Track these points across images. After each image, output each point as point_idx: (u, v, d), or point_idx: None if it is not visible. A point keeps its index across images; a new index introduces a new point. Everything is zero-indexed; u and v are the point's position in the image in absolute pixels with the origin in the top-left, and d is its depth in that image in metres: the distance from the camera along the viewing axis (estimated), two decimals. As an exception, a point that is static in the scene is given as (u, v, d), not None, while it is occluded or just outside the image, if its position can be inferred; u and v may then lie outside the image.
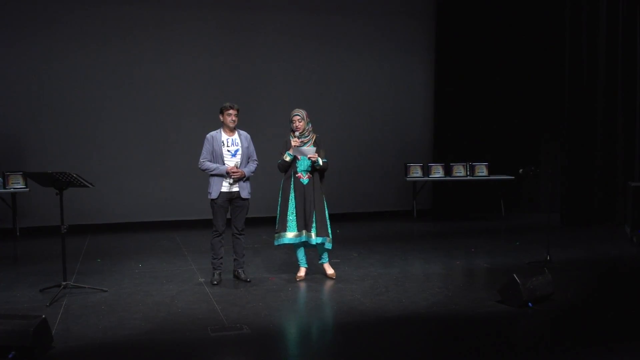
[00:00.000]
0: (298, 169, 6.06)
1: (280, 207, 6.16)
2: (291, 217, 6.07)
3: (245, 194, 6.03)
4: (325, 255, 6.33)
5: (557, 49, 10.34)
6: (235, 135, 6.07)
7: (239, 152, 6.01)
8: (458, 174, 10.45)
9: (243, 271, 6.19)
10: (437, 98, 11.04)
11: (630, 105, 9.63)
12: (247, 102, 10.08)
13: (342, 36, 10.53)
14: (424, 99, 11.12)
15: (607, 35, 9.63)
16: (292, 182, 6.08)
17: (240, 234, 6.14)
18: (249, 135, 6.20)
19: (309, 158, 5.96)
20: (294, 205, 6.06)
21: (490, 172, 10.55)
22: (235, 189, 5.97)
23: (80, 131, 9.34)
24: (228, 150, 5.97)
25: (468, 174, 10.47)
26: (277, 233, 6.13)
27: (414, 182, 10.48)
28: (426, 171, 10.39)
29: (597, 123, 9.72)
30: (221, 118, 6.05)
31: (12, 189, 8.62)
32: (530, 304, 5.15)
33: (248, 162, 6.10)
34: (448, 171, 10.49)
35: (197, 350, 4.33)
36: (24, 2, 9.01)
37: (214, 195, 5.95)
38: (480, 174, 10.51)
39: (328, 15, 10.46)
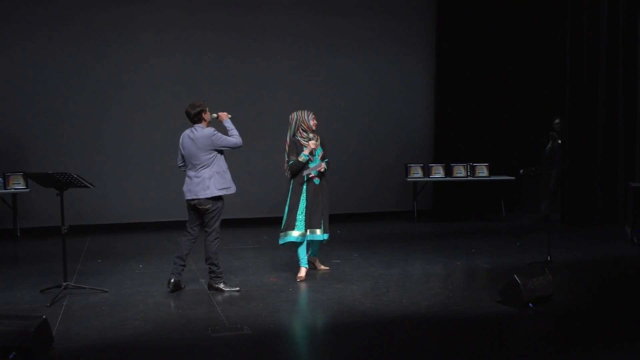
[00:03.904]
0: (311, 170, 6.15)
1: (289, 207, 6.18)
2: (300, 217, 6.12)
3: None
4: (317, 250, 6.54)
5: (558, 49, 10.35)
6: None
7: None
8: (458, 175, 10.45)
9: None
10: (438, 98, 11.05)
11: (630, 105, 9.62)
12: (249, 102, 10.10)
13: (343, 37, 10.53)
14: (424, 100, 11.12)
15: (608, 36, 9.62)
16: (304, 184, 6.13)
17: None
18: None
19: (320, 170, 6.13)
20: (304, 205, 6.12)
21: (491, 173, 10.55)
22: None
23: (81, 132, 9.35)
24: None
25: (468, 174, 10.47)
26: (283, 232, 6.16)
27: (415, 182, 10.48)
28: (427, 172, 10.39)
29: (598, 123, 9.72)
30: (207, 117, 5.85)
31: (12, 190, 8.62)
32: (530, 304, 5.15)
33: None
34: (448, 172, 10.49)
35: (197, 351, 4.33)
36: (25, 2, 9.02)
37: (234, 188, 5.86)
38: (481, 175, 10.50)
39: (329, 16, 10.47)
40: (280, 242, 6.22)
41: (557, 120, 9.89)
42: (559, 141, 9.76)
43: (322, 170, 6.17)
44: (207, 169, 5.69)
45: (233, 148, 5.82)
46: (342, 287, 5.96)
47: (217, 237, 5.80)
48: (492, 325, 4.86)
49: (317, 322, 5.14)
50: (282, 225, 6.19)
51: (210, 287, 5.86)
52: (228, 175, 5.83)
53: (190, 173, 5.76)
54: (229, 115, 5.96)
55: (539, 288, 5.23)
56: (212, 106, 9.52)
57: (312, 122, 6.24)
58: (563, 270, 6.49)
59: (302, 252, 6.26)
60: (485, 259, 7.24)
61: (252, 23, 10.06)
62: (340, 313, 5.15)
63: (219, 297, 5.59)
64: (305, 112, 6.26)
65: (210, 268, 5.83)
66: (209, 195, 5.66)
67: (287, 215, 6.16)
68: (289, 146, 6.21)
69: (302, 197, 6.14)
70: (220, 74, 9.93)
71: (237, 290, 5.80)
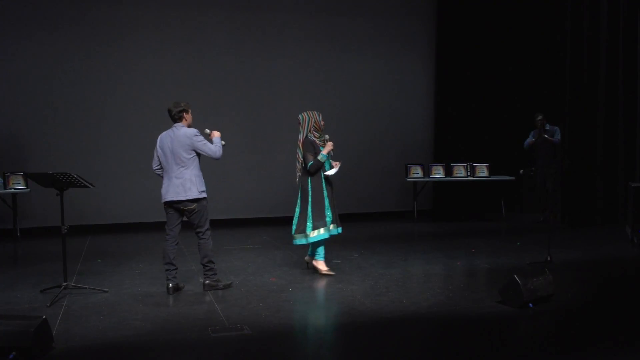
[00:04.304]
0: (326, 168, 6.35)
1: (312, 204, 6.27)
2: (328, 213, 6.30)
3: None
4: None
5: (558, 49, 10.35)
6: None
7: None
8: (458, 175, 10.45)
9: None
10: (438, 98, 11.05)
11: (631, 105, 9.63)
12: (249, 102, 10.11)
13: (343, 37, 10.54)
14: (424, 100, 11.13)
15: (608, 37, 9.62)
16: (322, 181, 6.34)
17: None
18: None
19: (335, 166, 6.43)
20: (328, 201, 6.32)
21: (491, 173, 10.55)
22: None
23: (81, 132, 9.35)
24: None
25: (468, 174, 10.47)
26: (314, 229, 6.23)
27: (415, 182, 10.48)
28: (427, 172, 10.39)
29: (598, 123, 9.71)
30: (189, 118, 5.79)
31: (12, 190, 8.63)
32: (530, 304, 5.14)
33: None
34: (448, 172, 10.49)
35: (197, 351, 4.33)
36: (25, 3, 9.02)
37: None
38: (481, 175, 10.50)
39: (329, 17, 10.47)
40: (313, 239, 6.25)
41: (539, 117, 9.69)
42: (545, 135, 9.63)
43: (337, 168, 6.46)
44: (188, 170, 5.65)
45: (209, 155, 5.71)
46: (342, 287, 5.96)
47: (210, 235, 5.82)
48: (492, 325, 4.86)
49: (317, 322, 5.13)
50: (309, 224, 6.24)
51: (207, 285, 5.85)
52: (202, 179, 5.79)
53: (170, 174, 5.68)
54: (221, 140, 5.88)
55: (539, 288, 5.23)
56: (212, 106, 9.61)
57: (322, 123, 6.40)
58: (563, 270, 6.49)
59: (323, 247, 6.43)
60: (485, 259, 7.24)
61: (253, 24, 10.06)
62: (340, 313, 5.15)
63: (219, 297, 5.59)
64: (315, 112, 6.39)
65: (207, 266, 5.83)
66: (191, 197, 5.63)
67: (313, 214, 6.24)
68: (304, 146, 6.27)
69: (324, 194, 6.32)
70: (220, 75, 9.94)
71: (230, 284, 5.92)
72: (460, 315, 5.07)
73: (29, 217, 9.07)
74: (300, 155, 6.30)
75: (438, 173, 10.44)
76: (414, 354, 4.41)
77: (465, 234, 9.03)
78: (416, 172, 10.35)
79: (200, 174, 5.74)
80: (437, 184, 10.81)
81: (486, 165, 10.50)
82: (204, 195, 5.73)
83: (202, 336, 4.55)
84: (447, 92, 10.96)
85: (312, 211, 6.25)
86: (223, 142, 5.90)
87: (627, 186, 9.00)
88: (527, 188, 11.03)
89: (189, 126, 5.77)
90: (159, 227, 9.37)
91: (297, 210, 6.38)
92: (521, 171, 8.70)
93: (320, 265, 6.45)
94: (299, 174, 6.36)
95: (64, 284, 5.62)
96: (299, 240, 6.34)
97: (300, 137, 6.32)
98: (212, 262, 5.84)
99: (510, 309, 5.14)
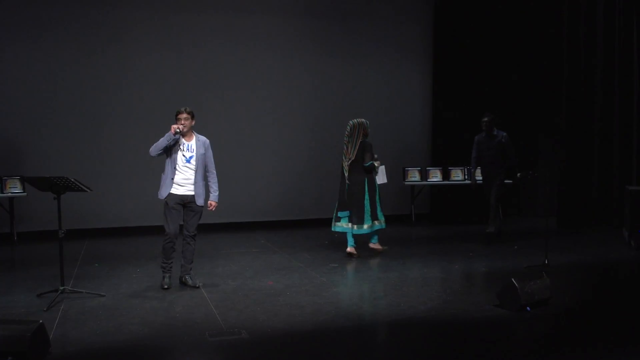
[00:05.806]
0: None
1: (371, 200, 7.35)
2: (379, 209, 7.50)
3: (200, 202, 5.98)
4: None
5: (554, 54, 10.38)
6: (193, 141, 5.98)
7: (193, 158, 5.93)
8: (456, 178, 10.46)
9: (190, 277, 6.10)
10: (435, 102, 11.05)
11: (627, 109, 9.66)
12: (247, 105, 10.11)
13: (341, 41, 10.54)
14: (422, 103, 11.14)
15: (604, 39, 9.66)
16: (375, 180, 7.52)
17: (191, 238, 6.05)
18: (207, 141, 6.08)
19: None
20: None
21: (488, 176, 10.53)
22: (191, 192, 5.93)
23: (79, 135, 9.33)
24: (183, 155, 5.90)
25: (466, 178, 10.48)
26: (371, 221, 7.39)
27: (412, 186, 10.48)
28: (424, 175, 10.40)
29: (595, 127, 9.74)
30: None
31: (9, 194, 8.62)
32: (528, 308, 5.15)
33: (206, 173, 6.03)
34: (446, 175, 10.50)
35: (195, 355, 4.32)
36: (23, 4, 9.01)
37: (160, 195, 5.96)
38: (478, 179, 10.49)
39: (327, 21, 10.48)
40: (370, 230, 7.43)
41: (486, 118, 8.46)
42: (490, 151, 8.51)
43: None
44: None
45: None
46: (339, 291, 5.96)
47: (166, 239, 5.95)
48: (490, 329, 4.86)
49: (314, 326, 5.13)
50: (373, 215, 7.37)
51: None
52: (163, 180, 5.95)
53: None
54: (176, 129, 5.90)
55: (536, 291, 5.24)
56: (212, 108, 9.60)
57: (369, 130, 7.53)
58: (560, 273, 6.50)
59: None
60: (482, 263, 7.24)
61: (252, 27, 10.06)
62: (338, 317, 5.15)
63: (217, 301, 5.58)
64: (363, 120, 7.55)
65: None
66: None
67: (372, 207, 7.35)
68: (367, 147, 7.35)
69: (377, 192, 7.46)
70: (220, 78, 9.92)
71: (197, 287, 6.01)
72: (457, 319, 5.07)
73: (26, 221, 9.04)
74: (362, 156, 7.34)
75: (436, 177, 10.45)
76: (412, 357, 4.41)
77: (462, 238, 9.03)
78: (414, 176, 10.35)
79: (163, 175, 5.96)
80: (435, 187, 10.81)
81: (484, 169, 10.49)
82: (159, 196, 5.99)
83: (200, 340, 4.55)
84: (445, 96, 10.96)
85: (371, 205, 7.36)
86: (175, 129, 5.85)
87: (624, 189, 9.02)
88: (526, 191, 11.00)
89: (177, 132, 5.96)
90: (156, 230, 9.34)
91: (369, 202, 7.34)
92: (519, 175, 8.71)
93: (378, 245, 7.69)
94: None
95: (61, 288, 5.61)
96: (381, 225, 7.52)
97: (358, 142, 7.38)
98: (165, 263, 6.03)
99: (507, 312, 5.15)
